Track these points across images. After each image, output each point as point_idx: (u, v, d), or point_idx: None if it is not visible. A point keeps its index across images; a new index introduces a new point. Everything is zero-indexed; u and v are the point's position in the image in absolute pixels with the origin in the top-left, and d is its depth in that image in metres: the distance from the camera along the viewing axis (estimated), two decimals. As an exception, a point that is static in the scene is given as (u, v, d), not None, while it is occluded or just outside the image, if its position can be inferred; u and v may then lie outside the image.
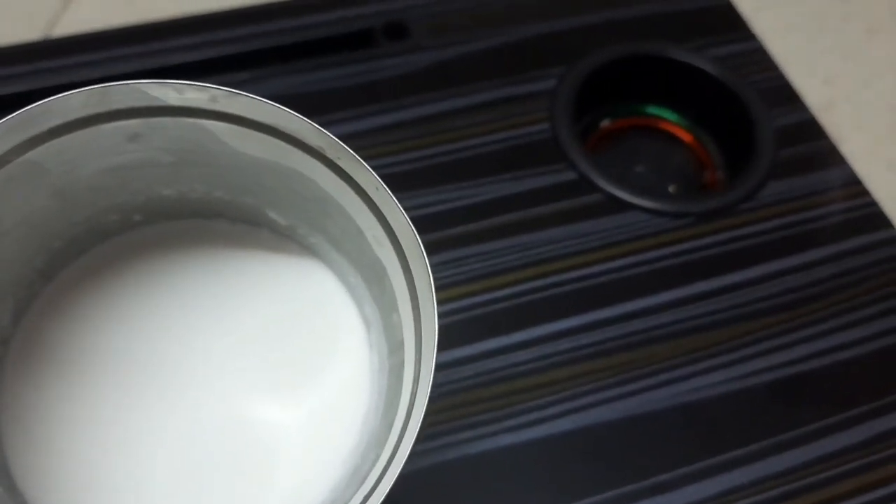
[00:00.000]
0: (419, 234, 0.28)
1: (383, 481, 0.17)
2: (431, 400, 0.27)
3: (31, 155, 0.18)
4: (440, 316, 0.29)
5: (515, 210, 0.32)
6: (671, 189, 0.35)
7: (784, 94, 0.35)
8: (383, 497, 0.17)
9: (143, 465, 0.21)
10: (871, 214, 0.32)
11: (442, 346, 0.28)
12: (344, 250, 0.22)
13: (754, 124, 0.34)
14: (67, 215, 0.22)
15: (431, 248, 0.31)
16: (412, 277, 0.19)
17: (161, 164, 0.21)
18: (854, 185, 0.33)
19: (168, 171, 0.21)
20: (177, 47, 0.35)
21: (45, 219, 0.21)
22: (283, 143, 0.19)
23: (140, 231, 0.24)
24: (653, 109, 0.36)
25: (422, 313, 0.19)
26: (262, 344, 0.23)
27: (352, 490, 0.19)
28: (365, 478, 0.19)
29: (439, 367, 0.28)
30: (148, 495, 0.21)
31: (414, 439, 0.17)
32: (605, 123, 0.36)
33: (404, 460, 0.17)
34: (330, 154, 0.19)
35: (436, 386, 0.28)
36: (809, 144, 0.34)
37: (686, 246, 0.31)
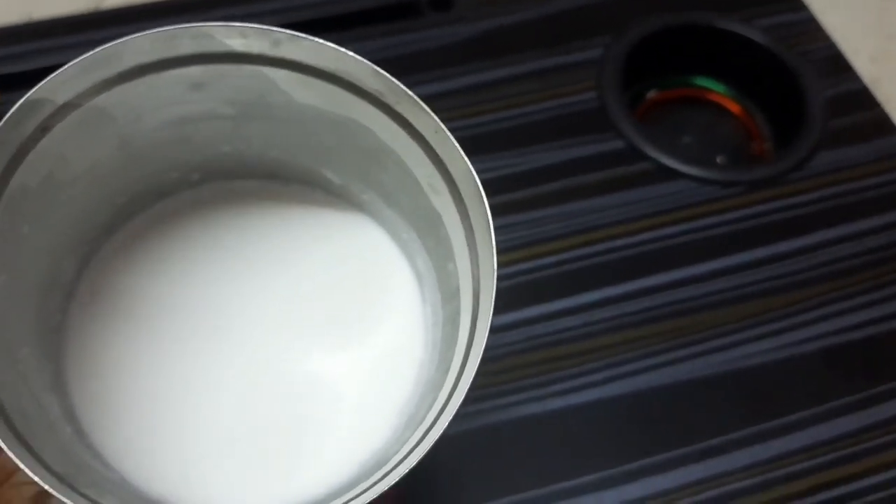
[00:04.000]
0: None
1: (441, 418, 0.17)
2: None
3: (100, 100, 0.19)
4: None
5: (562, 178, 0.32)
6: (719, 160, 0.35)
7: (835, 64, 0.35)
8: (440, 433, 0.17)
9: (204, 414, 0.22)
10: (925, 184, 0.32)
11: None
12: (397, 205, 0.22)
13: (804, 94, 0.34)
14: (130, 170, 0.22)
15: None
16: (469, 221, 0.19)
17: (222, 117, 0.21)
18: (906, 155, 0.33)
19: (228, 125, 0.22)
20: (223, 17, 0.35)
21: (110, 171, 0.21)
22: (341, 91, 0.19)
23: (198, 190, 0.24)
24: (700, 80, 0.36)
25: (479, 251, 0.19)
26: (316, 300, 0.24)
27: (409, 432, 0.19)
28: (422, 420, 0.19)
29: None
30: (210, 441, 0.21)
31: (472, 376, 0.17)
32: (652, 94, 0.36)
33: (463, 396, 0.17)
34: (388, 99, 0.19)
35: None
36: (860, 114, 0.34)
37: (735, 215, 0.31)
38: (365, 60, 0.19)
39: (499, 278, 0.30)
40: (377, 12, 0.36)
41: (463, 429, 0.26)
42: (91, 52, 0.17)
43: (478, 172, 0.32)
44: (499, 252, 0.31)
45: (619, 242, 0.30)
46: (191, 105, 0.20)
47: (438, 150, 0.19)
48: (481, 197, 0.18)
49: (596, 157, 0.32)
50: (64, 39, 0.35)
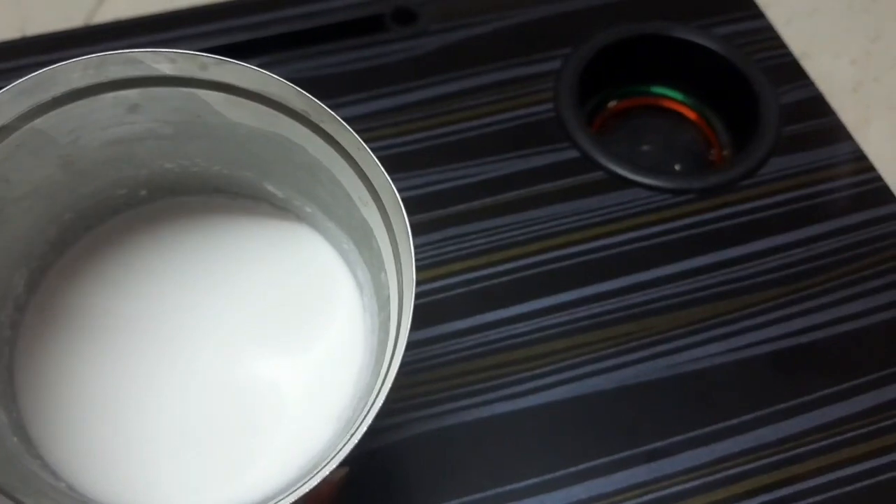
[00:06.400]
0: (425, 211, 0.29)
1: (362, 424, 0.18)
2: (429, 368, 0.28)
3: (38, 123, 0.20)
4: (442, 290, 0.30)
5: (518, 188, 0.32)
6: (677, 167, 0.35)
7: (790, 72, 0.36)
8: (365, 428, 0.17)
9: (151, 422, 0.23)
10: (876, 189, 0.33)
11: (442, 319, 0.29)
12: (336, 217, 0.23)
13: (758, 101, 0.34)
14: (76, 187, 0.23)
15: (436, 225, 0.32)
16: (393, 232, 0.20)
17: (162, 137, 0.22)
18: (859, 161, 0.33)
19: (169, 144, 0.22)
20: (196, 34, 0.37)
21: (55, 190, 0.22)
22: (270, 111, 0.20)
23: (146, 207, 0.25)
24: (658, 89, 0.37)
25: (402, 261, 0.19)
26: (263, 310, 0.24)
27: (343, 439, 0.20)
28: (353, 423, 0.20)
29: (438, 339, 0.29)
30: (156, 449, 0.22)
31: (390, 386, 0.18)
32: (612, 104, 0.37)
33: (381, 403, 0.18)
34: (314, 117, 0.20)
35: (434, 356, 0.29)
36: (815, 121, 0.34)
37: (687, 221, 0.32)
38: (287, 82, 0.20)
39: (453, 286, 0.31)
40: (344, 27, 0.37)
41: (414, 433, 0.27)
42: (21, 80, 0.18)
43: (436, 183, 0.34)
44: (454, 260, 0.32)
45: (572, 250, 0.31)
46: (130, 125, 0.21)
47: (363, 166, 0.20)
48: (400, 208, 0.19)
49: (551, 167, 0.33)
50: (57, 55, 0.36)
